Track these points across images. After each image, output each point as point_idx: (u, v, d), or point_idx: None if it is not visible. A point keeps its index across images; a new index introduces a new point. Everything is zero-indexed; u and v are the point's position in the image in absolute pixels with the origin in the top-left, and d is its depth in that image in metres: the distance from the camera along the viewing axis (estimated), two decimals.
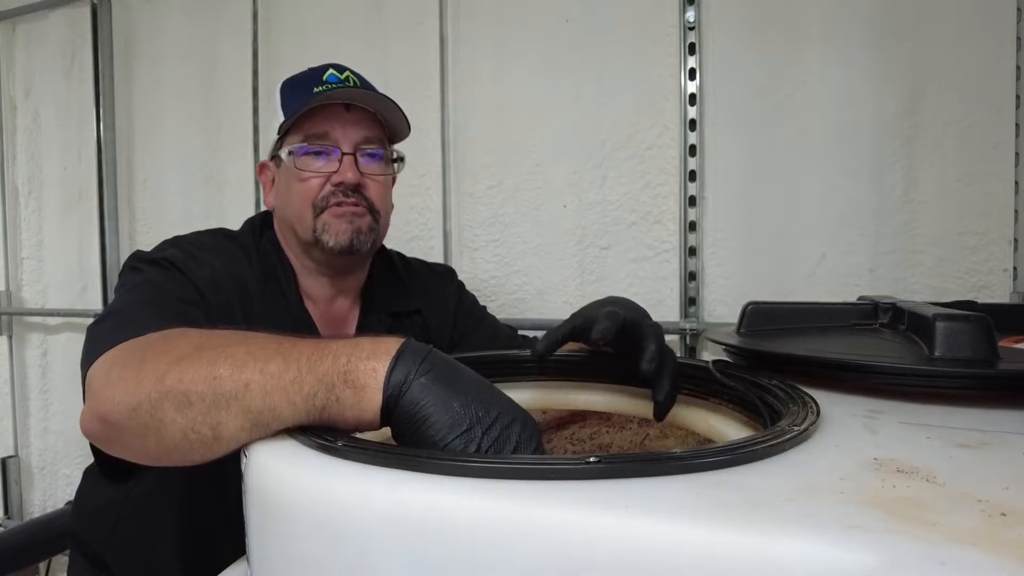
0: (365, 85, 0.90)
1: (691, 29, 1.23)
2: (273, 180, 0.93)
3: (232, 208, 1.68)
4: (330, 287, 0.92)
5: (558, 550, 0.32)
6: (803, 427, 0.43)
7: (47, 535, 1.45)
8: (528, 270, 1.40)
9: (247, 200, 1.63)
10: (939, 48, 1.11)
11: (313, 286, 0.91)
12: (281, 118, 0.89)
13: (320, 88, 0.85)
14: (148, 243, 1.79)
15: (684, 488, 0.35)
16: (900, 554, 0.28)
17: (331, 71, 0.88)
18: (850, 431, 0.46)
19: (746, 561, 0.29)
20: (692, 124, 1.24)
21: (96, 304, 1.82)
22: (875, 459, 0.40)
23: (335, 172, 0.85)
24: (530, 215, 1.39)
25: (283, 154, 0.87)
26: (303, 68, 0.93)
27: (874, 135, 1.15)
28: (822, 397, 0.52)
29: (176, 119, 1.75)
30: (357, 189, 0.86)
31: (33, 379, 2.00)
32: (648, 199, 1.30)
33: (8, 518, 1.96)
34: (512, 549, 0.33)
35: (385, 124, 0.91)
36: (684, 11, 1.24)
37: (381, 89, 0.90)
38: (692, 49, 1.24)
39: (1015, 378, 0.54)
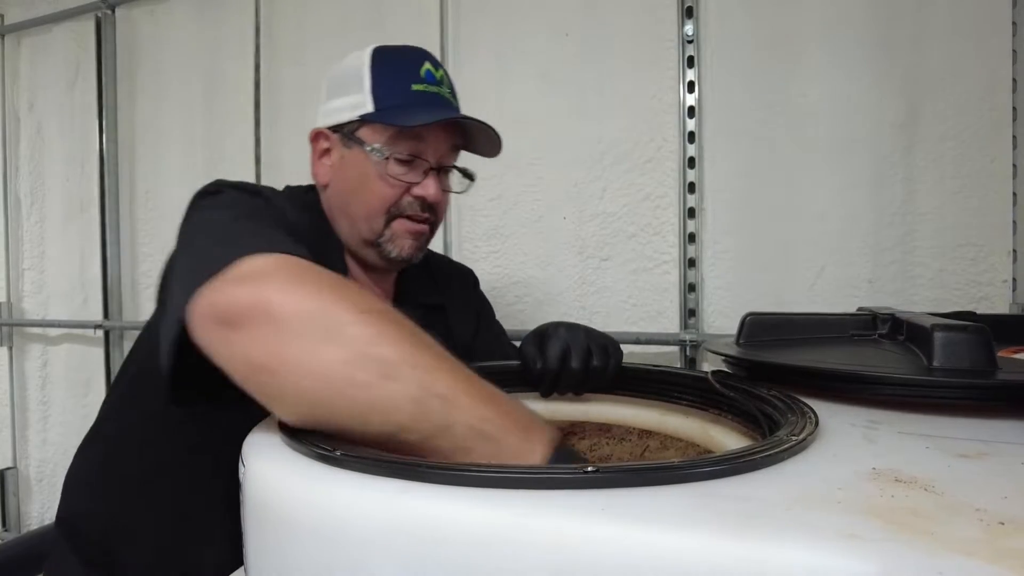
0: (451, 83, 0.87)
1: (690, 42, 1.24)
2: (328, 152, 0.85)
3: None
4: (371, 273, 0.90)
5: (556, 560, 0.32)
6: (801, 437, 0.43)
7: (43, 548, 1.43)
8: (528, 281, 1.40)
9: None
10: (936, 61, 1.12)
11: (355, 267, 0.88)
12: (351, 79, 0.82)
13: (419, 87, 0.81)
14: (150, 255, 1.81)
15: (682, 498, 0.35)
16: (898, 563, 0.28)
17: (427, 66, 0.83)
18: (849, 441, 0.46)
19: (744, 570, 0.29)
20: (691, 136, 1.25)
21: (97, 315, 1.82)
22: (874, 469, 0.40)
23: (417, 184, 0.82)
24: (530, 227, 1.40)
25: (367, 148, 0.81)
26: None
27: (872, 147, 1.16)
28: (821, 408, 0.52)
29: (178, 131, 1.77)
30: (432, 206, 0.84)
31: (33, 390, 2.00)
32: (648, 211, 1.30)
33: (6, 530, 1.95)
34: (510, 558, 0.32)
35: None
36: (683, 25, 1.25)
37: None
38: (691, 62, 1.25)
39: (1014, 388, 0.54)
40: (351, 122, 0.82)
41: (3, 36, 2.01)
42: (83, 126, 1.87)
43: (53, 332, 1.97)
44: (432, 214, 0.85)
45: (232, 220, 0.61)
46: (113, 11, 1.81)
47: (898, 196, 1.15)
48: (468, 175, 0.90)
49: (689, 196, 1.25)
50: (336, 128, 0.84)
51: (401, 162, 0.81)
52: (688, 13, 1.24)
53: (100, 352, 1.82)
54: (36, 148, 1.99)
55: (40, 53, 1.97)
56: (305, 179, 1.67)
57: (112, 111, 1.81)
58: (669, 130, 1.27)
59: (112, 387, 0.86)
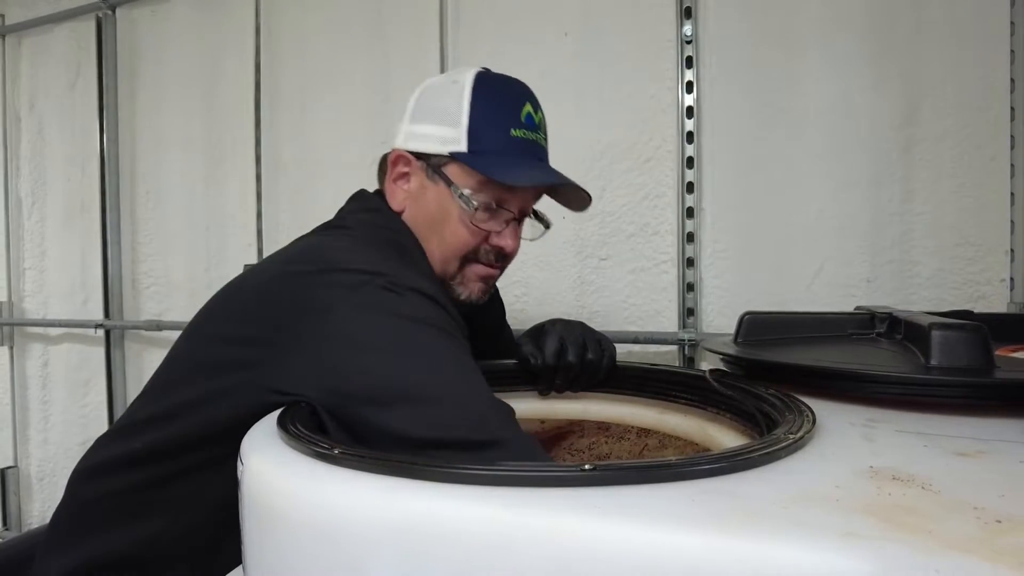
0: (546, 126, 0.85)
1: (688, 43, 1.24)
2: (407, 176, 0.81)
3: (234, 220, 1.69)
4: None
5: (553, 557, 0.32)
6: (799, 435, 0.43)
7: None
8: (528, 280, 1.40)
9: (249, 212, 1.64)
10: (935, 61, 1.12)
11: None
12: (449, 102, 0.79)
13: (518, 132, 0.78)
14: (150, 254, 1.81)
15: (679, 495, 0.35)
16: (894, 561, 0.28)
17: (528, 108, 0.81)
18: (847, 439, 0.46)
19: (741, 568, 0.29)
20: (690, 136, 1.25)
21: (97, 315, 1.82)
22: (871, 467, 0.40)
23: (498, 234, 0.80)
24: None
25: (455, 191, 0.78)
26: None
27: (871, 147, 1.16)
28: (819, 406, 0.52)
29: (178, 131, 1.77)
30: (506, 255, 0.82)
31: (34, 390, 2.00)
32: (646, 210, 1.30)
33: (7, 529, 1.95)
34: (508, 556, 0.33)
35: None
36: (682, 25, 1.25)
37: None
38: (689, 63, 1.25)
39: (1011, 387, 0.54)
40: (439, 155, 0.79)
41: (4, 36, 2.01)
42: (84, 126, 1.87)
43: (54, 332, 1.97)
44: (504, 261, 0.83)
45: (468, 380, 0.60)
46: (114, 11, 1.81)
47: (896, 195, 1.15)
48: (544, 222, 0.88)
49: (688, 196, 1.25)
50: (420, 155, 0.80)
51: (486, 209, 0.79)
52: (687, 13, 1.24)
53: (101, 352, 1.82)
54: (37, 148, 1.99)
55: (41, 53, 1.98)
56: (303, 178, 1.67)
57: (113, 111, 1.81)
58: (668, 130, 1.27)
59: (155, 425, 0.72)
